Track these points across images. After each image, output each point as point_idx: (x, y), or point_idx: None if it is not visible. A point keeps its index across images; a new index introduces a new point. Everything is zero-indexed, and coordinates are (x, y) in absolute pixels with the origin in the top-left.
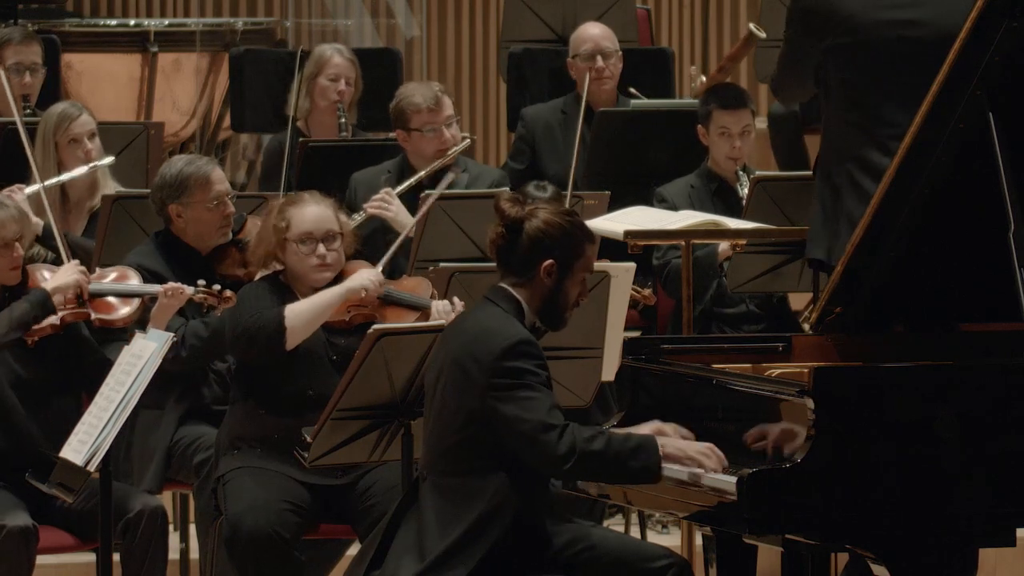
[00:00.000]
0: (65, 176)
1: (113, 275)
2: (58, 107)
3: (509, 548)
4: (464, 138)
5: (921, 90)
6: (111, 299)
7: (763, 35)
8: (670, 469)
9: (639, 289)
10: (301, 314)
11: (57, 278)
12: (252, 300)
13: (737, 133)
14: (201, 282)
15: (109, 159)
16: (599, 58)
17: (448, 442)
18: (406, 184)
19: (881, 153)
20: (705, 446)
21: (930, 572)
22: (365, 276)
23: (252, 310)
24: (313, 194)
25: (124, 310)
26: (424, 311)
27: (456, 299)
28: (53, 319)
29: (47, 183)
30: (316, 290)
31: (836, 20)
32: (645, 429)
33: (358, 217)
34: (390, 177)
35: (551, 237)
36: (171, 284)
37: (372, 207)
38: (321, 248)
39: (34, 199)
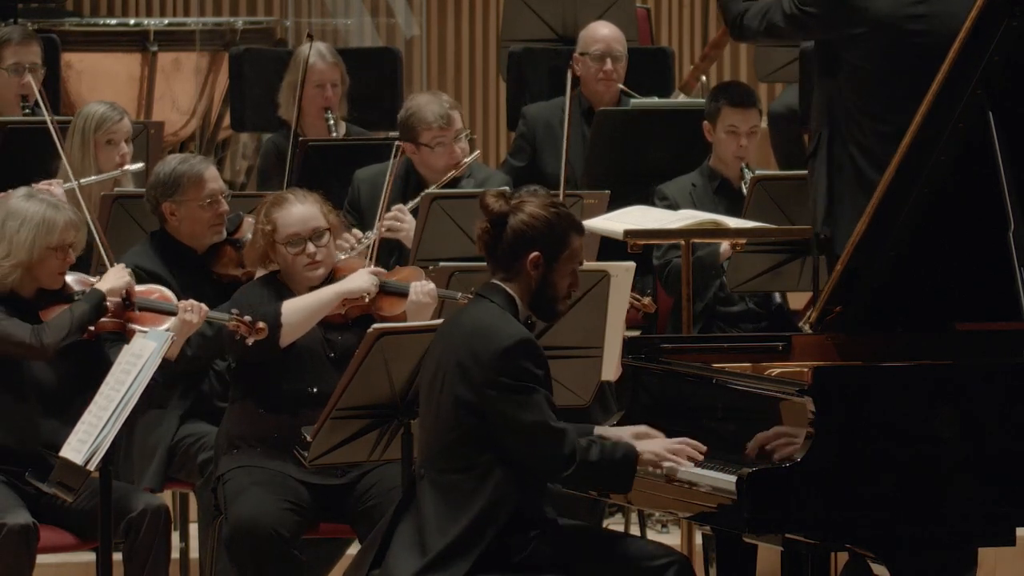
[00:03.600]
0: (96, 177)
1: (144, 289)
2: (98, 108)
3: (508, 545)
4: (474, 149)
5: (929, 85)
6: (150, 313)
7: None
8: (647, 472)
9: (639, 297)
10: (298, 311)
11: (109, 280)
12: (249, 298)
13: (745, 132)
14: (234, 310)
15: (140, 165)
16: (608, 61)
17: (446, 439)
18: (415, 202)
19: (885, 143)
20: (679, 442)
21: (930, 572)
22: (365, 279)
23: (249, 307)
24: (296, 192)
25: (165, 324)
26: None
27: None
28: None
29: (82, 181)
30: (313, 288)
31: (857, 10)
32: (629, 432)
33: (371, 234)
34: (394, 179)
35: (535, 229)
36: (188, 301)
37: (385, 225)
38: (310, 247)
39: (69, 196)
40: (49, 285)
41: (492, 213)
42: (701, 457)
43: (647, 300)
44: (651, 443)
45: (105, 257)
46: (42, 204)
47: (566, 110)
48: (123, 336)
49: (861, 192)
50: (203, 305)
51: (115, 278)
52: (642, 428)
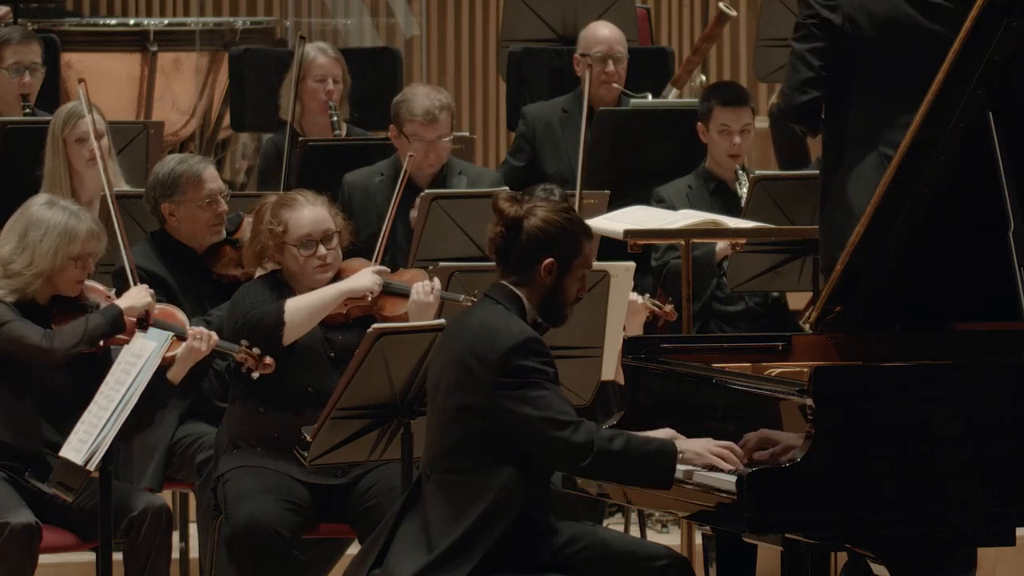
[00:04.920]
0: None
1: (158, 311)
2: (67, 106)
3: (511, 545)
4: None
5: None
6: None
7: (733, 13)
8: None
9: (660, 304)
10: (301, 309)
11: (130, 298)
12: (251, 297)
13: (737, 130)
14: (244, 342)
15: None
16: (610, 62)
17: (451, 440)
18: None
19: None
20: (723, 446)
21: (930, 571)
22: (369, 278)
23: (252, 305)
24: (305, 194)
25: (174, 351)
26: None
27: (436, 279)
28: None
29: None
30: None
31: (867, 9)
32: (662, 435)
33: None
34: (384, 179)
35: (550, 235)
36: (198, 329)
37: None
38: (321, 249)
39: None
40: (66, 293)
41: (507, 218)
42: (741, 464)
43: (669, 308)
44: (694, 442)
45: (129, 273)
46: (64, 213)
47: (583, 109)
48: None
49: None
50: (213, 334)
51: (136, 297)
52: (668, 431)
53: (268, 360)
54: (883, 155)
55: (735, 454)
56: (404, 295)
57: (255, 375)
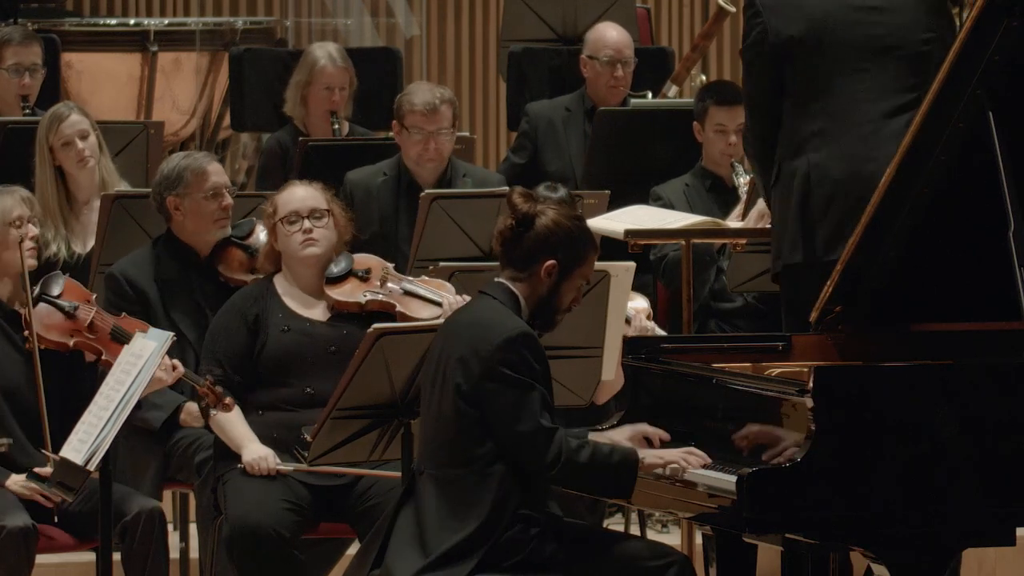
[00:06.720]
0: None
1: (123, 319)
2: (50, 111)
3: (511, 544)
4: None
5: (885, 87)
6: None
7: (733, 9)
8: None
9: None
10: (222, 430)
11: None
12: (222, 335)
13: (733, 130)
14: (208, 378)
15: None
16: (620, 67)
17: (447, 435)
18: None
19: (840, 148)
20: (682, 451)
21: (930, 572)
22: (268, 459)
23: (214, 352)
24: (303, 181)
25: None
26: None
27: (465, 296)
28: (66, 341)
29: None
30: (309, 284)
31: (803, 14)
32: (625, 433)
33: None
34: (386, 180)
35: (558, 237)
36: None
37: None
38: (307, 223)
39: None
40: (19, 267)
41: (519, 213)
42: (705, 462)
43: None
44: (655, 450)
45: (27, 292)
46: None
47: (582, 114)
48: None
49: (821, 201)
50: (179, 365)
51: None
52: (640, 426)
53: (228, 401)
54: (813, 165)
55: (695, 458)
56: (435, 304)
57: (213, 412)
